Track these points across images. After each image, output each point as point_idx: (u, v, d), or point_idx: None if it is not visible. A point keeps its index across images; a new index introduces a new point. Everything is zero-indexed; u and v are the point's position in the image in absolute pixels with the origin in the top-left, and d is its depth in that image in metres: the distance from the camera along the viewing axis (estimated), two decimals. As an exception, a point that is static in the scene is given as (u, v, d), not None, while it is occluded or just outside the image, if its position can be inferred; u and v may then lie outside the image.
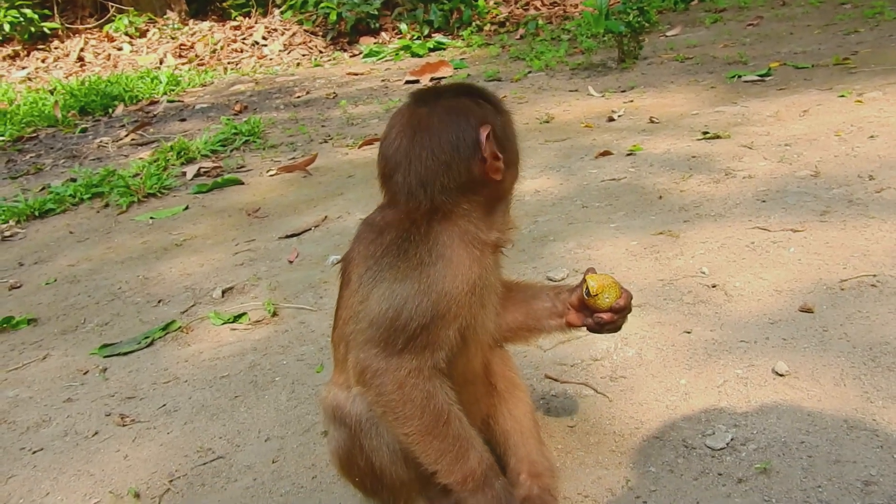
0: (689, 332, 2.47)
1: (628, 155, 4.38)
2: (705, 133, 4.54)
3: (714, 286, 2.74)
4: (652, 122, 5.05)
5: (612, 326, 1.76)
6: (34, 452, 2.39)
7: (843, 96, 4.87)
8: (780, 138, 4.25)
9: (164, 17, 11.54)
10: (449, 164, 1.56)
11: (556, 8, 10.77)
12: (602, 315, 1.73)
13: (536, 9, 10.83)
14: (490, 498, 1.61)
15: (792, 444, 1.89)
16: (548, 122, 5.42)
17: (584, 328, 1.79)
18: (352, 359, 1.59)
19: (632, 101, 5.75)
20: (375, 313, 1.53)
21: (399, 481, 1.70)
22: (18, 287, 3.84)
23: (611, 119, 5.28)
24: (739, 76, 5.95)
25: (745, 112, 4.91)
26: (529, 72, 7.39)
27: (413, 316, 1.50)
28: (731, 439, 1.93)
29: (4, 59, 10.92)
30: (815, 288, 2.61)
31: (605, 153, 4.45)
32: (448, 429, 1.55)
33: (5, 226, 4.72)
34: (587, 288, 1.74)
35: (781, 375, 2.16)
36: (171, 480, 2.15)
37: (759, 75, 5.87)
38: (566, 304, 1.82)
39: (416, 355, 1.53)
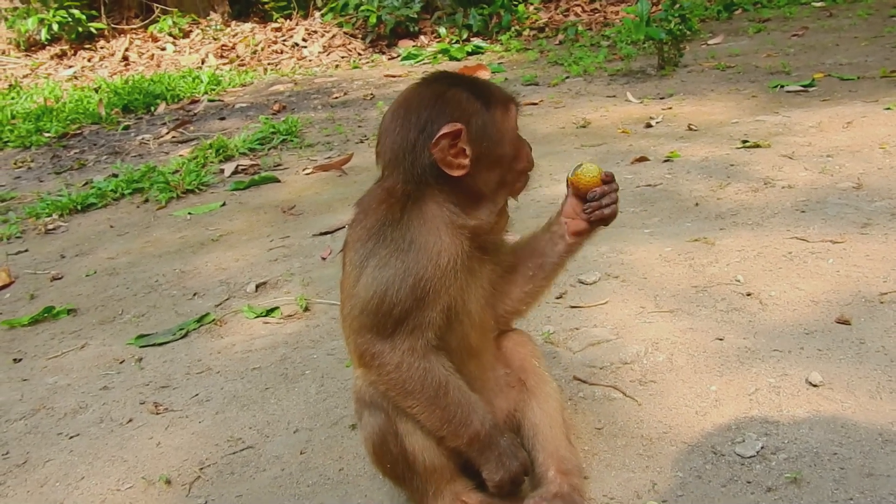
0: (721, 340, 2.44)
1: (665, 161, 4.34)
2: (745, 142, 4.48)
3: (749, 294, 2.70)
4: (690, 129, 5.00)
5: (609, 202, 1.81)
6: (71, 437, 2.45)
7: (888, 109, 4.78)
8: (822, 149, 4.18)
9: (207, 18, 11.73)
10: (414, 146, 1.62)
11: (597, 14, 10.73)
12: (595, 189, 1.78)
13: (576, 14, 10.80)
14: (497, 455, 1.71)
15: (824, 454, 1.85)
16: (584, 126, 5.40)
17: (588, 227, 1.85)
18: (351, 343, 1.70)
19: (670, 108, 5.70)
20: (364, 300, 1.63)
21: (431, 468, 1.75)
22: (60, 278, 3.93)
23: (648, 125, 5.24)
24: (782, 86, 5.86)
25: (787, 122, 4.84)
26: (567, 77, 7.37)
27: (395, 302, 1.60)
28: (762, 448, 1.91)
29: (52, 58, 11.19)
30: (854, 300, 2.56)
31: (642, 159, 4.42)
32: (448, 398, 1.66)
33: (49, 219, 4.84)
34: (571, 171, 1.82)
35: (815, 386, 2.12)
36: (202, 468, 2.19)
37: (802, 86, 5.79)
38: (562, 222, 1.87)
39: (408, 336, 1.63)
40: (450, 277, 1.63)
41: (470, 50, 9.58)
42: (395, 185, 1.67)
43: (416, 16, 10.42)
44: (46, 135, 7.23)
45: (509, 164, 1.71)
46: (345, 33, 10.91)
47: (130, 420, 2.50)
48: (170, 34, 11.30)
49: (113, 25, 11.60)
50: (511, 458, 1.72)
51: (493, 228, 1.74)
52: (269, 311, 3.15)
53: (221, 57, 10.68)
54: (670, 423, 2.08)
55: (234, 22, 11.85)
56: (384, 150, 1.69)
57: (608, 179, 1.81)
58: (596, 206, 1.81)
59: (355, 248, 1.68)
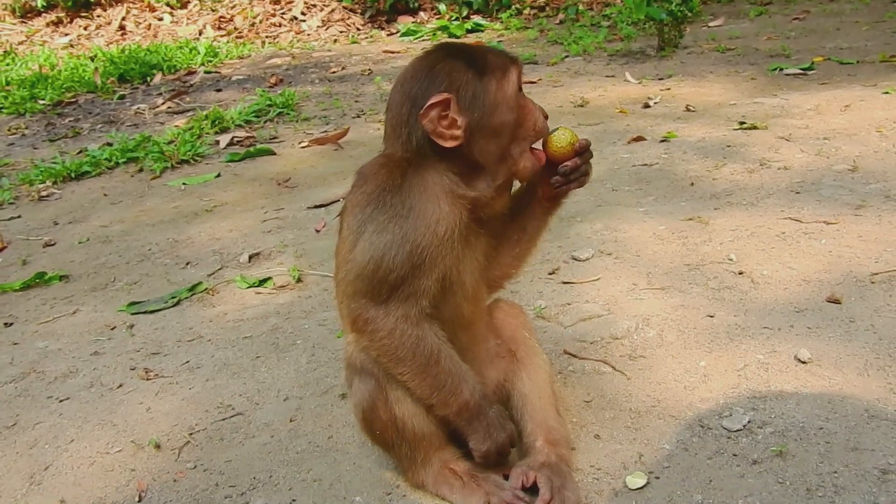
0: (712, 317, 2.45)
1: (662, 141, 4.33)
2: (742, 123, 4.47)
3: (741, 273, 2.71)
4: (688, 110, 4.98)
5: (579, 176, 1.77)
6: (61, 401, 2.45)
7: (887, 93, 4.78)
8: (818, 132, 4.17)
9: (206, -11, 11.60)
10: (407, 119, 1.63)
11: (598, -6, 10.63)
12: (566, 164, 1.74)
13: (577, -6, 10.71)
14: (485, 426, 1.72)
15: (810, 429, 1.87)
16: (582, 105, 5.38)
17: (557, 190, 1.80)
18: (345, 308, 1.70)
19: (669, 88, 5.68)
20: (360, 265, 1.62)
21: (420, 435, 1.76)
22: (52, 245, 3.92)
23: (646, 105, 5.22)
24: (781, 69, 5.84)
25: (785, 104, 4.83)
26: (567, 56, 7.33)
27: (392, 268, 1.59)
28: (749, 422, 1.92)
29: (48, 25, 11.08)
30: (845, 280, 2.57)
31: (639, 138, 4.41)
32: (439, 367, 1.66)
33: (42, 186, 4.81)
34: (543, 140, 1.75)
35: (804, 363, 2.14)
36: (191, 433, 2.19)
37: (801, 69, 5.77)
38: (537, 186, 1.84)
39: (402, 303, 1.62)
40: (447, 247, 1.63)
41: (470, 27, 9.51)
42: (395, 153, 1.67)
43: (415, -9, 10.33)
44: (41, 102, 7.18)
45: (512, 132, 1.67)
46: (344, 7, 10.82)
47: (121, 385, 2.50)
48: (167, 4, 11.18)
49: (110, -6, 11.47)
50: (498, 430, 1.73)
51: (491, 202, 1.72)
52: (262, 282, 3.15)
53: (219, 28, 10.58)
54: (658, 397, 2.09)
55: (232, -6, 11.72)
56: (385, 124, 1.71)
57: (581, 150, 1.75)
58: (563, 181, 1.76)
59: (353, 213, 1.67)
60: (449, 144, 1.60)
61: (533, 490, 1.73)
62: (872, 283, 2.52)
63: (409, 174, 1.63)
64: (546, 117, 1.76)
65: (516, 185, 1.84)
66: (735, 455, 1.82)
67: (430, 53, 1.70)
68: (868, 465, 1.72)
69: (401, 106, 1.65)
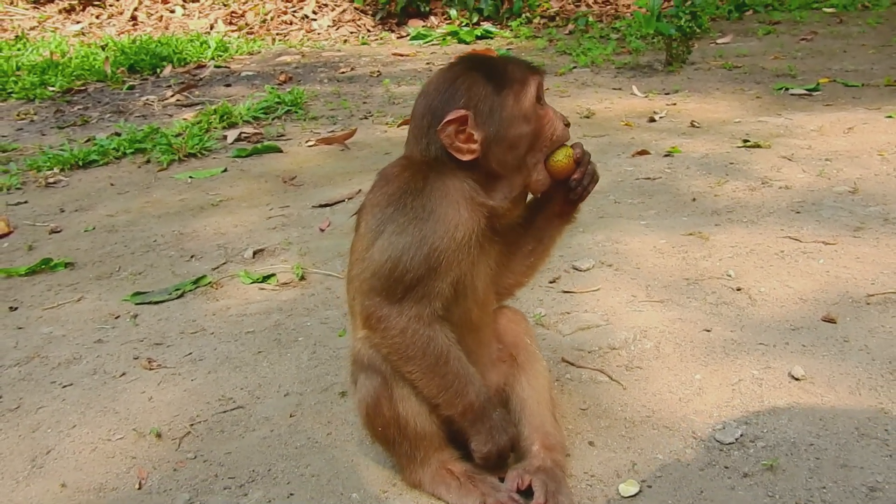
0: (708, 331, 2.49)
1: (666, 156, 4.37)
2: (746, 141, 4.52)
3: (739, 289, 2.75)
4: (693, 126, 5.03)
5: (589, 181, 1.82)
6: (64, 387, 2.48)
7: (890, 117, 4.83)
8: (821, 153, 4.22)
9: (218, -16, 11.64)
10: (427, 131, 1.70)
11: (608, 6, 10.70)
12: (574, 178, 1.79)
13: (588, 6, 10.77)
14: (488, 428, 1.77)
15: (801, 445, 1.91)
16: (588, 117, 5.43)
17: (572, 201, 1.86)
18: (358, 305, 1.74)
19: (675, 104, 5.72)
20: (377, 264, 1.67)
21: (421, 434, 1.80)
22: (59, 231, 3.95)
23: (652, 120, 5.27)
24: (787, 89, 5.90)
25: (789, 124, 4.88)
26: (574, 67, 7.37)
27: (408, 268, 1.63)
28: (741, 435, 1.96)
29: (60, 12, 11.11)
30: (841, 300, 2.61)
31: (643, 152, 4.45)
32: (448, 367, 1.71)
33: (50, 172, 4.84)
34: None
35: (797, 379, 2.18)
36: (192, 424, 2.23)
37: (806, 89, 5.82)
38: (550, 199, 1.89)
39: (416, 303, 1.66)
40: (463, 251, 1.67)
41: (479, 34, 9.54)
42: (416, 157, 1.73)
43: (427, -5, 10.37)
44: (51, 89, 7.20)
45: (529, 143, 1.73)
46: (355, 8, 10.86)
47: (124, 374, 2.53)
48: (179, -3, 11.22)
49: (122, -15, 11.50)
50: (501, 433, 1.78)
51: (507, 213, 1.78)
52: (266, 278, 3.18)
53: (230, 24, 10.62)
54: (653, 408, 2.13)
55: (244, -11, 11.76)
56: (409, 130, 1.77)
57: (579, 159, 1.79)
58: (580, 191, 1.83)
59: (373, 212, 1.72)
60: (466, 158, 1.66)
61: (528, 493, 1.77)
62: (868, 304, 2.57)
63: (431, 178, 1.68)
64: (567, 125, 1.80)
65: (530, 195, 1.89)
66: (727, 467, 1.86)
67: (453, 65, 1.75)
68: (856, 482, 1.76)
69: (422, 117, 1.71)
